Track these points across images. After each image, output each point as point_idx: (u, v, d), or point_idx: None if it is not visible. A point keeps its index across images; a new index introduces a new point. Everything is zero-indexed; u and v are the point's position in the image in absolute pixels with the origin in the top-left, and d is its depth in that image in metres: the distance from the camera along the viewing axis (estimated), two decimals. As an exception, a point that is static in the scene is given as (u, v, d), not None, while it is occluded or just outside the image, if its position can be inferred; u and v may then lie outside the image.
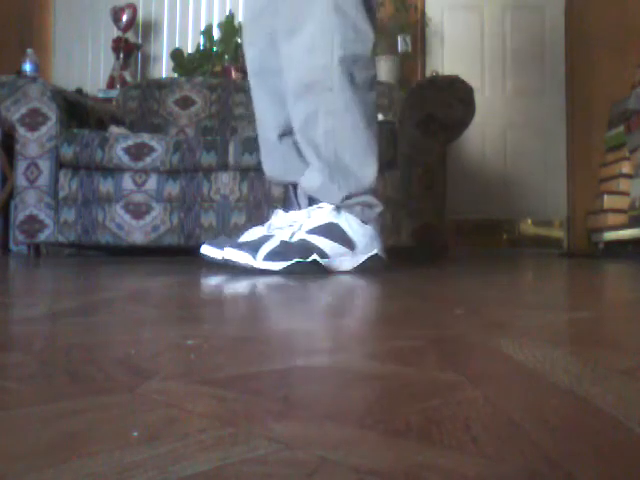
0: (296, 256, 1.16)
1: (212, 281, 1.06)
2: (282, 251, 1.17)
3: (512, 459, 0.20)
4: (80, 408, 0.26)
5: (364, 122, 1.25)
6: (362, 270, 1.24)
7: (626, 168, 3.21)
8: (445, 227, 2.16)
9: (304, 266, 1.16)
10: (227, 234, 2.19)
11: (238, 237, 1.31)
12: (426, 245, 2.13)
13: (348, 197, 1.26)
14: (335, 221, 1.24)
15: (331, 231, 1.22)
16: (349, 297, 0.81)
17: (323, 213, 1.24)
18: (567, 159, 3.78)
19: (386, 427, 0.23)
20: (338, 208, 1.26)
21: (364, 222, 1.27)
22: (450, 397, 0.28)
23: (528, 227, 3.95)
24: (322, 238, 1.21)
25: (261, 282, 1.00)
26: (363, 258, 1.24)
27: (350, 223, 1.24)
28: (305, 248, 1.18)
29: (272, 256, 1.16)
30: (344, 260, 1.23)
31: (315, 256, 1.17)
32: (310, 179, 1.30)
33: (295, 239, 1.20)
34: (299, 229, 1.22)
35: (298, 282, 1.00)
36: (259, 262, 1.16)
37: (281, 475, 0.18)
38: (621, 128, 3.25)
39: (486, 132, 3.78)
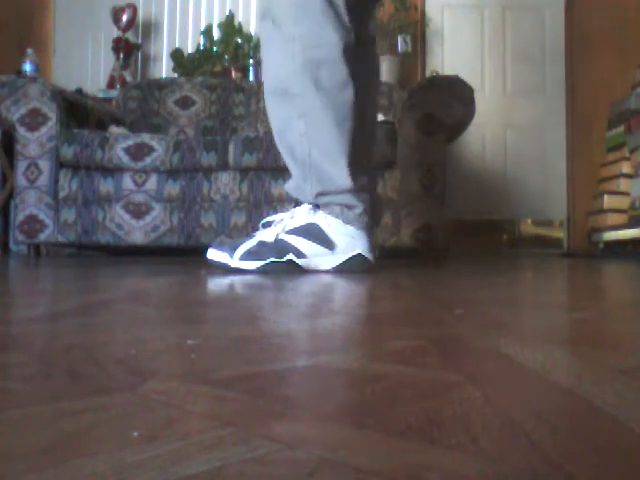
0: (271, 256, 1.20)
1: (212, 281, 1.06)
2: (258, 251, 1.21)
3: (512, 459, 0.20)
4: (80, 408, 0.26)
5: (334, 123, 1.26)
6: (344, 270, 1.25)
7: (626, 168, 3.21)
8: (445, 227, 2.16)
9: (280, 266, 1.20)
10: (227, 234, 2.19)
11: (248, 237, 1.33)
12: (426, 245, 2.13)
13: (321, 195, 1.28)
14: (314, 221, 1.26)
15: (309, 231, 1.25)
16: (349, 297, 0.81)
17: (303, 213, 1.27)
18: (567, 159, 3.78)
19: (386, 427, 0.23)
20: (317, 207, 1.28)
21: (346, 223, 1.27)
22: (450, 397, 0.28)
23: (528, 227, 3.95)
24: (300, 238, 1.24)
25: (261, 282, 1.00)
26: (343, 258, 1.26)
27: (330, 223, 1.26)
28: (281, 248, 1.21)
29: (247, 256, 1.21)
30: (322, 259, 1.25)
31: (291, 256, 1.21)
32: (290, 181, 1.35)
33: (274, 239, 1.23)
34: (283, 229, 1.25)
35: (298, 283, 1.00)
36: (235, 261, 1.20)
37: (281, 475, 0.18)
38: (621, 128, 3.25)
39: (486, 132, 3.78)
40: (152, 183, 2.22)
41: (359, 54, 1.31)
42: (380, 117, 2.37)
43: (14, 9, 3.67)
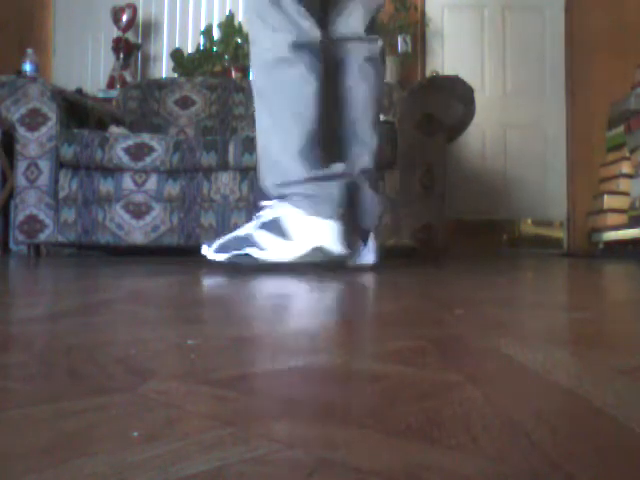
0: (235, 249, 1.29)
1: (212, 281, 1.06)
2: (227, 244, 1.31)
3: (512, 459, 0.20)
4: (80, 408, 0.26)
5: (290, 116, 1.31)
6: (304, 262, 1.28)
7: (626, 168, 3.21)
8: (445, 227, 2.16)
9: (241, 257, 1.29)
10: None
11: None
12: (426, 245, 2.13)
13: (281, 186, 1.31)
14: (278, 214, 1.29)
15: (272, 224, 1.29)
16: (349, 297, 0.81)
17: (271, 207, 1.33)
18: (567, 159, 3.78)
19: (386, 427, 0.23)
20: (281, 200, 1.32)
21: (309, 214, 1.28)
22: (450, 397, 0.28)
23: (528, 227, 3.95)
24: (263, 231, 1.29)
25: (261, 282, 1.00)
26: (302, 250, 1.27)
27: (291, 214, 1.28)
28: (243, 241, 1.29)
29: (220, 248, 1.31)
30: (280, 252, 1.28)
31: (249, 249, 1.28)
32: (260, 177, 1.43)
33: (245, 234, 1.31)
34: (256, 224, 1.32)
35: (298, 284, 1.00)
36: (211, 253, 1.33)
37: (281, 475, 0.18)
38: (621, 128, 3.25)
39: (486, 132, 3.78)
40: (152, 183, 2.22)
41: (326, 49, 1.37)
42: (380, 117, 2.37)
43: (14, 9, 3.67)
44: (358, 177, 1.44)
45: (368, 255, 1.42)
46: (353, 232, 1.39)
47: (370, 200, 1.45)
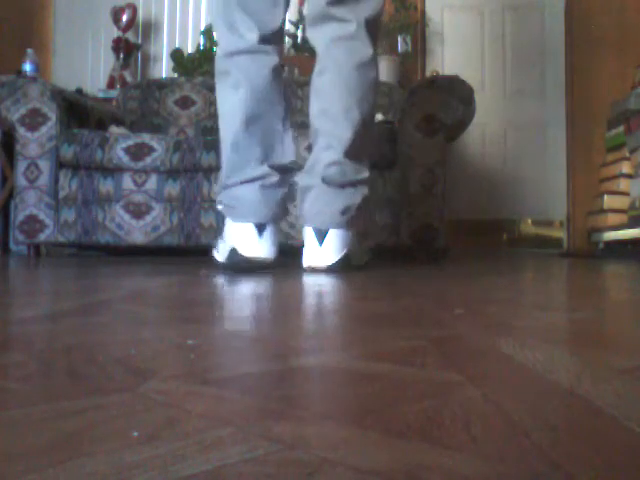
0: (215, 250, 1.41)
1: (212, 281, 1.06)
2: (217, 245, 1.42)
3: (512, 459, 0.20)
4: (80, 408, 0.26)
5: (224, 122, 1.38)
6: (226, 265, 1.33)
7: (626, 168, 3.20)
8: (445, 227, 2.16)
9: (214, 259, 1.40)
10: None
11: None
12: (426, 245, 2.13)
13: (220, 192, 1.41)
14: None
15: (223, 227, 1.40)
16: (349, 297, 0.81)
17: None
18: (567, 159, 3.78)
19: (386, 427, 0.23)
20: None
21: (233, 220, 1.35)
22: (450, 397, 0.28)
23: (528, 227, 3.95)
24: (220, 236, 1.43)
25: (261, 282, 1.00)
26: (225, 253, 1.33)
27: (227, 219, 1.37)
28: (219, 244, 1.40)
29: (214, 249, 1.43)
30: (219, 254, 1.37)
31: (213, 251, 1.41)
32: None
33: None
34: None
35: (297, 284, 1.00)
36: (214, 252, 1.44)
37: (281, 475, 0.18)
38: (621, 128, 3.25)
39: (486, 132, 3.78)
40: (152, 183, 2.22)
41: (262, 53, 1.37)
42: (380, 117, 2.37)
43: (14, 9, 3.67)
44: (308, 174, 1.36)
45: (322, 257, 1.30)
46: (306, 233, 1.33)
47: (328, 197, 1.34)
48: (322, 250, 1.30)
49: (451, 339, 0.45)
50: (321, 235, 1.31)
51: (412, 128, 2.13)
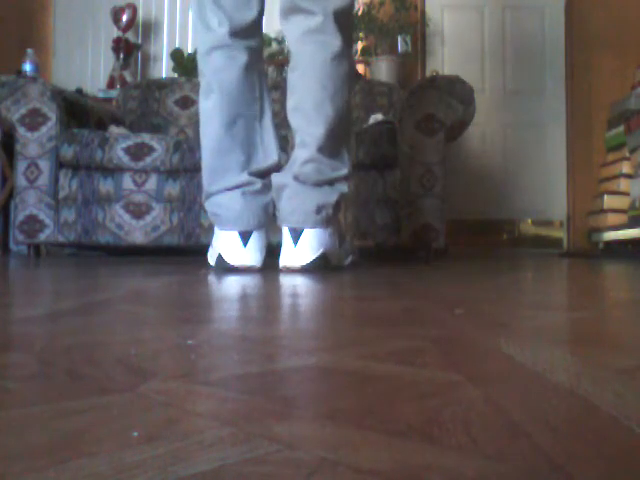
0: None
1: (212, 281, 1.06)
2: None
3: (512, 459, 0.20)
4: (80, 408, 0.26)
5: (202, 130, 1.39)
6: (216, 268, 1.37)
7: (626, 168, 3.20)
8: (445, 227, 2.16)
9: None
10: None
11: None
12: (426, 245, 2.13)
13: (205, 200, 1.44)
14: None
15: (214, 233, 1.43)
16: (349, 297, 0.81)
17: None
18: (567, 159, 3.78)
19: (386, 427, 0.23)
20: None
21: (219, 227, 1.38)
22: (450, 397, 0.28)
23: (528, 227, 3.95)
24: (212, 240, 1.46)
25: (261, 282, 1.00)
26: (213, 260, 1.39)
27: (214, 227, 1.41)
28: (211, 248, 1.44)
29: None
30: (211, 259, 1.42)
31: (208, 255, 1.45)
32: None
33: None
34: None
35: (297, 284, 1.00)
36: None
37: (281, 475, 0.18)
38: (621, 128, 3.25)
39: (486, 132, 3.78)
40: (152, 183, 2.22)
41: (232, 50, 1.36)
42: (380, 117, 2.37)
43: (14, 9, 3.67)
44: (284, 172, 1.35)
45: (297, 257, 1.28)
46: (283, 232, 1.32)
47: (302, 196, 1.31)
48: (297, 250, 1.28)
49: (451, 339, 0.45)
50: (296, 235, 1.29)
51: (412, 128, 2.13)
